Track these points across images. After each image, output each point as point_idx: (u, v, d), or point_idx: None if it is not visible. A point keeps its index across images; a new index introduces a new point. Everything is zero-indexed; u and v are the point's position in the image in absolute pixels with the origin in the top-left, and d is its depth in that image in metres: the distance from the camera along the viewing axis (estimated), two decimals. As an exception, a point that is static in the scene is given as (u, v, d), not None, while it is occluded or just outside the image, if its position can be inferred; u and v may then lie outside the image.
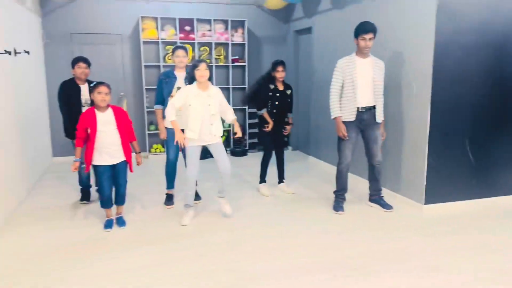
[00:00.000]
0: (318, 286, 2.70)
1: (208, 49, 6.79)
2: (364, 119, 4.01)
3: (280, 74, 4.57)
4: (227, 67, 6.96)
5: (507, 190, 4.35)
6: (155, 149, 6.76)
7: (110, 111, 3.59)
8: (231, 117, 3.90)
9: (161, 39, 6.50)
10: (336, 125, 4.02)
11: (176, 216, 3.99)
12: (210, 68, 3.70)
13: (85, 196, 4.42)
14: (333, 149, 4.44)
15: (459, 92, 3.99)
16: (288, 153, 7.06)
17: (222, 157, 3.80)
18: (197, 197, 4.38)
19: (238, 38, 6.86)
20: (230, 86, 6.91)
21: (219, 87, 3.92)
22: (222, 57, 6.90)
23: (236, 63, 6.88)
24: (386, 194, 4.38)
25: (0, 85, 3.90)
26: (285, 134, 4.77)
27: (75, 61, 4.19)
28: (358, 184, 4.94)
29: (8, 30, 4.29)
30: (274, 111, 4.62)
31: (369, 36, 3.85)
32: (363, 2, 4.83)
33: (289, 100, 4.72)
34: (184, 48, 4.17)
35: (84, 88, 4.20)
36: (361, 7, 4.89)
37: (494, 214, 4.05)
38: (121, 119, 3.62)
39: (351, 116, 3.98)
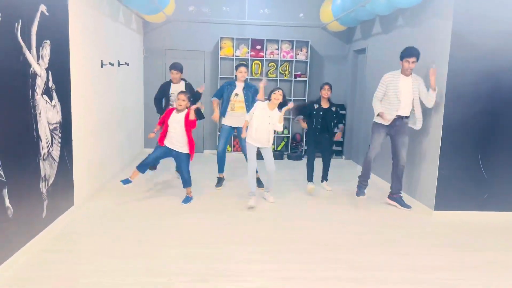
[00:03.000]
0: (297, 252, 3.56)
1: (275, 65, 7.82)
2: (396, 125, 4.68)
3: (325, 92, 5.33)
4: (291, 81, 7.90)
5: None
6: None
7: (183, 114, 4.70)
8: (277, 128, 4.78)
9: (236, 56, 7.70)
10: (381, 116, 4.67)
11: (222, 197, 5.07)
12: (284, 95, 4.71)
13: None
14: (377, 160, 5.12)
15: (471, 112, 4.45)
16: (341, 161, 7.77)
17: (269, 159, 4.81)
18: (260, 184, 5.42)
19: (302, 56, 7.77)
20: (292, 97, 7.83)
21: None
22: (287, 72, 7.87)
23: (298, 78, 7.79)
24: (404, 196, 4.94)
25: (106, 88, 5.37)
26: (335, 139, 5.49)
27: (170, 68, 5.55)
28: (379, 184, 5.57)
29: (116, 47, 5.80)
30: (319, 126, 5.35)
31: (412, 59, 4.52)
32: (404, 28, 5.45)
33: (334, 115, 5.39)
34: (246, 66, 5.33)
35: (175, 86, 5.51)
36: (402, 34, 5.51)
37: (497, 227, 4.38)
38: (188, 121, 4.71)
39: (387, 121, 4.68)
